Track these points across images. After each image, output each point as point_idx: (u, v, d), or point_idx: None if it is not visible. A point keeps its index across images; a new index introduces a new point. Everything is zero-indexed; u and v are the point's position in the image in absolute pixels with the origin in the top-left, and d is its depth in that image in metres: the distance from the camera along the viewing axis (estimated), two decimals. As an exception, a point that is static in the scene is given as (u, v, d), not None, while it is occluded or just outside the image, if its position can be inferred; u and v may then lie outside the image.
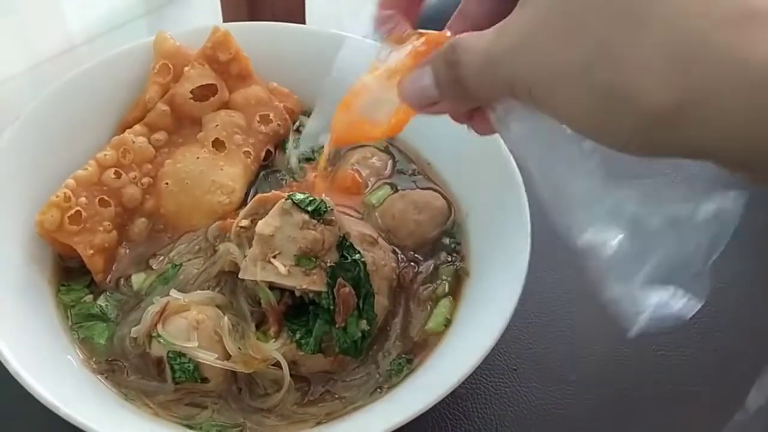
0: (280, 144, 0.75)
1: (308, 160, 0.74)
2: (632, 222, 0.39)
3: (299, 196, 0.60)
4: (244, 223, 0.62)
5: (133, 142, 0.68)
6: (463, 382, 0.55)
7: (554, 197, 0.42)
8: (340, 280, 0.59)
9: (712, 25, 0.31)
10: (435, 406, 0.55)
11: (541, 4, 0.37)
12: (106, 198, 0.66)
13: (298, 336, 0.60)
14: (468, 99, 0.43)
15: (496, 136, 0.66)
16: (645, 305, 0.40)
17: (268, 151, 0.73)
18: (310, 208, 0.60)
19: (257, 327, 0.61)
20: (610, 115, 0.35)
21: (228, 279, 0.63)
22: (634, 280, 0.40)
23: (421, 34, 0.48)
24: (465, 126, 0.68)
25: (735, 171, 0.34)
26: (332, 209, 0.61)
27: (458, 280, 0.66)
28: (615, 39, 0.34)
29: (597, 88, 0.35)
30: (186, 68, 0.71)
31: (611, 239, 0.40)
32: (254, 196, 0.66)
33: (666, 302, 0.40)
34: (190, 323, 0.59)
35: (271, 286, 0.60)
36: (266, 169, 0.73)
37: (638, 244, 0.40)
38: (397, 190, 0.72)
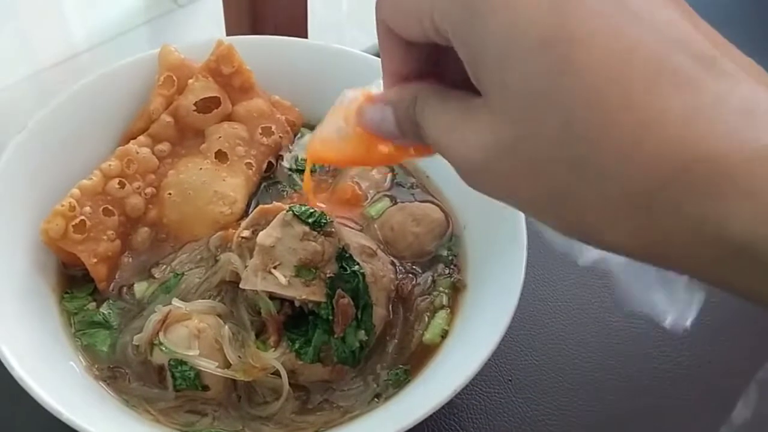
0: (282, 156, 0.76)
1: (300, 171, 0.76)
2: None
3: (300, 208, 0.61)
4: (246, 233, 0.63)
5: (137, 152, 0.69)
6: (459, 393, 0.56)
7: None
8: (339, 290, 0.60)
9: (660, 181, 0.31)
10: (431, 416, 0.55)
11: (496, 124, 0.35)
12: (110, 207, 0.67)
13: (297, 345, 0.60)
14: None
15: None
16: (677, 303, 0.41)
17: (270, 163, 0.74)
18: (310, 220, 0.61)
19: (257, 336, 0.62)
20: (577, 236, 0.35)
21: (229, 289, 0.64)
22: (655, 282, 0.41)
23: None
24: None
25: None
26: (332, 221, 0.62)
27: (455, 292, 0.67)
28: (571, 186, 0.33)
29: (565, 226, 0.35)
30: (190, 81, 0.72)
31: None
32: (256, 207, 0.67)
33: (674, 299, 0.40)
34: (192, 332, 0.60)
35: (272, 296, 0.60)
36: (268, 181, 0.74)
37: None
38: (395, 203, 0.73)
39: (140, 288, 0.66)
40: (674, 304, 0.40)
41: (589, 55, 0.32)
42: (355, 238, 0.66)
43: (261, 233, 0.61)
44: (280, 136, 0.74)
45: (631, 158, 0.31)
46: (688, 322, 0.41)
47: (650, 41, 0.32)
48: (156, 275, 0.67)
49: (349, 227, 0.69)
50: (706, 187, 0.30)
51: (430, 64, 0.42)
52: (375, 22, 0.41)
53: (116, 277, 0.67)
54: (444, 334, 0.64)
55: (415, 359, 0.63)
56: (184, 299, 0.63)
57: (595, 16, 0.32)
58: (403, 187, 0.74)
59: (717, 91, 0.31)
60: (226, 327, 0.61)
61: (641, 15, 0.32)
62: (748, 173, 0.30)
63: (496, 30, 0.34)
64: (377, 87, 0.45)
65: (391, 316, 0.65)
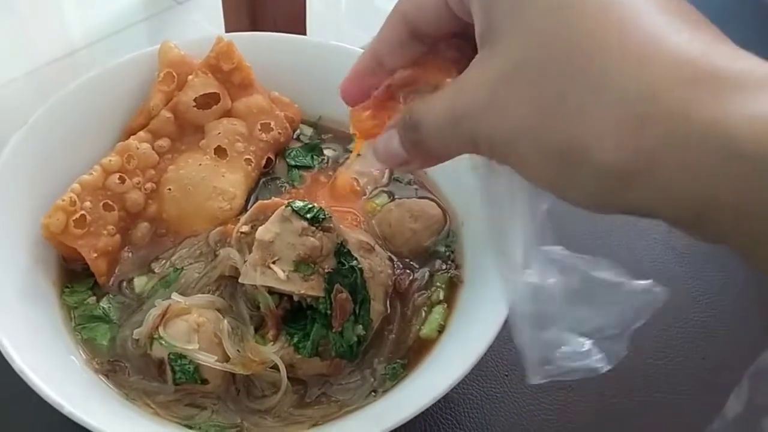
0: (281, 152, 0.76)
1: (306, 167, 0.76)
2: (565, 273, 0.40)
3: (298, 204, 0.61)
4: (245, 229, 0.64)
5: (137, 148, 0.70)
6: (455, 388, 0.56)
7: (498, 233, 0.43)
8: (337, 285, 0.60)
9: (664, 87, 0.32)
10: (428, 410, 0.56)
11: (500, 59, 0.37)
12: (110, 202, 0.67)
13: (295, 339, 0.61)
14: (434, 157, 0.44)
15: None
16: (554, 355, 0.41)
17: (269, 159, 0.75)
18: (309, 216, 0.61)
19: (256, 330, 0.62)
20: (566, 173, 0.35)
21: (228, 283, 0.65)
22: (550, 327, 0.41)
23: None
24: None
25: (686, 231, 0.34)
26: (330, 216, 0.62)
27: (452, 287, 0.68)
28: (571, 98, 0.34)
29: (553, 147, 0.35)
30: (190, 77, 0.73)
31: (544, 281, 0.41)
32: (255, 202, 0.68)
33: (579, 354, 0.41)
34: (191, 326, 0.60)
35: (270, 291, 0.61)
36: (266, 177, 0.75)
37: (565, 294, 0.40)
38: (393, 199, 0.73)
39: (140, 282, 0.67)
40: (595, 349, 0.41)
41: None
42: (353, 234, 0.66)
43: (260, 228, 0.61)
44: (279, 132, 0.75)
45: (641, 65, 0.33)
46: (606, 369, 0.41)
47: None
48: (156, 270, 0.67)
49: (345, 225, 0.70)
50: (714, 95, 0.31)
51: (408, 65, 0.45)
52: (391, 12, 0.44)
53: (116, 271, 0.68)
54: (441, 329, 0.65)
55: (412, 354, 0.64)
56: (183, 294, 0.63)
57: None
58: (401, 183, 0.75)
59: (716, 37, 0.34)
60: (225, 321, 0.61)
61: None
62: (751, 89, 0.31)
63: None
64: None
65: (389, 311, 0.66)
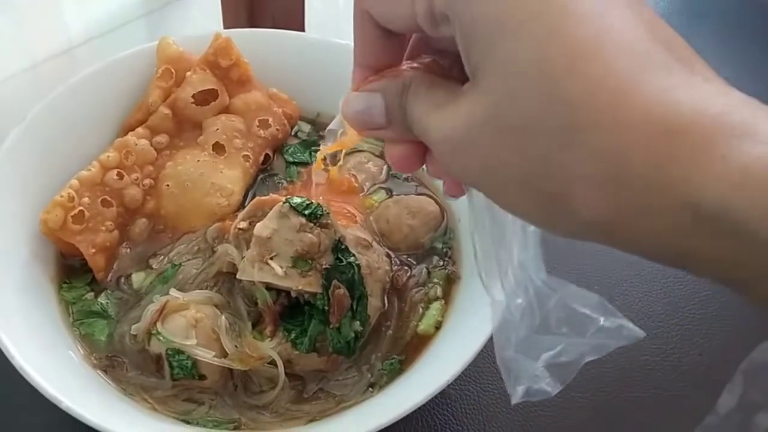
0: (279, 148, 0.76)
1: (303, 164, 0.76)
2: (536, 297, 0.41)
3: (296, 200, 0.61)
4: (243, 225, 0.64)
5: (136, 144, 0.70)
6: (452, 384, 0.57)
7: (483, 253, 0.43)
8: (335, 281, 0.61)
9: (635, 144, 0.32)
10: (424, 406, 0.56)
11: (483, 99, 0.36)
12: (108, 198, 0.67)
13: (293, 335, 0.61)
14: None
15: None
16: (524, 376, 0.41)
17: (267, 155, 0.75)
18: (306, 212, 0.61)
19: (254, 326, 0.62)
20: (550, 217, 0.36)
21: (226, 279, 0.65)
22: (521, 348, 0.41)
23: None
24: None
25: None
26: (328, 213, 0.62)
27: (450, 283, 0.68)
28: (553, 153, 0.34)
29: (537, 196, 0.35)
30: (188, 73, 0.73)
31: (513, 301, 0.41)
32: (252, 198, 0.68)
33: (537, 377, 0.41)
34: (189, 321, 0.60)
35: (268, 287, 0.61)
36: (264, 173, 0.75)
37: (532, 318, 0.41)
38: (391, 195, 0.73)
39: (138, 278, 0.67)
40: (530, 381, 0.41)
41: (577, 26, 0.33)
42: (350, 230, 0.66)
43: (258, 225, 0.61)
44: (277, 129, 0.75)
45: (610, 122, 0.32)
46: (553, 393, 0.42)
47: (630, 25, 0.34)
48: (154, 266, 0.68)
49: (343, 222, 0.70)
50: (683, 152, 0.31)
51: (401, 58, 0.43)
52: (353, 12, 0.42)
53: (114, 267, 0.68)
54: (438, 325, 0.65)
55: (409, 349, 0.64)
56: (181, 289, 0.63)
57: None
58: (399, 179, 0.75)
59: (691, 79, 0.33)
60: (223, 317, 0.61)
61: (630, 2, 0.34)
62: (722, 142, 0.31)
63: (489, 3, 0.35)
64: None
65: (386, 307, 0.66)
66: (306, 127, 0.79)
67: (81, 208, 0.66)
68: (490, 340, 0.58)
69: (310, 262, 0.60)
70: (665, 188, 0.31)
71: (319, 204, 0.62)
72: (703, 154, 0.31)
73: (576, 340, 0.41)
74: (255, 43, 0.76)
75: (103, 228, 0.66)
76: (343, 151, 0.56)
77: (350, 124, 0.44)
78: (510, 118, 0.35)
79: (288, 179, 0.75)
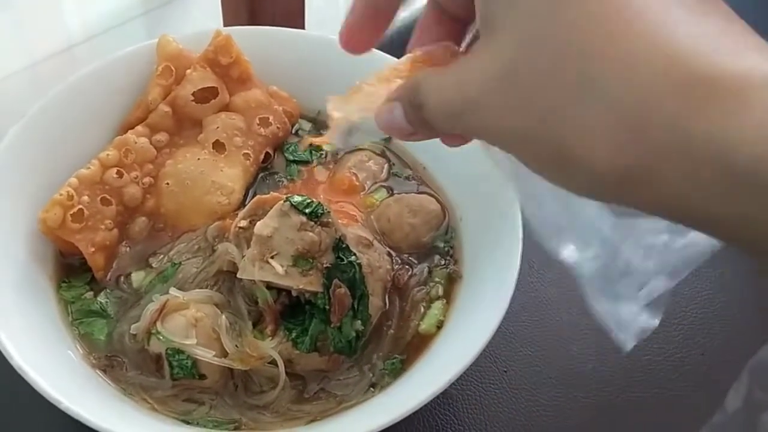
0: (279, 147, 0.76)
1: (304, 162, 0.76)
2: (606, 242, 0.40)
3: (297, 199, 0.61)
4: (243, 223, 0.63)
5: (135, 142, 0.69)
6: (454, 383, 0.56)
7: (540, 220, 0.43)
8: (335, 281, 0.60)
9: (655, 94, 0.30)
10: (426, 406, 0.56)
11: (494, 56, 0.36)
12: (107, 197, 0.67)
13: (294, 335, 0.61)
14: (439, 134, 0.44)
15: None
16: (625, 322, 0.40)
17: (267, 154, 0.75)
18: (307, 211, 0.61)
19: (254, 325, 0.62)
20: (562, 174, 0.35)
21: (226, 278, 0.64)
22: (610, 295, 0.40)
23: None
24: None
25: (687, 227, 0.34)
26: (329, 211, 0.62)
27: (451, 282, 0.68)
28: (560, 107, 0.33)
29: (548, 152, 0.34)
30: (188, 71, 0.73)
31: (587, 257, 0.40)
32: (253, 197, 0.67)
33: (633, 317, 0.41)
34: (189, 321, 0.60)
35: (269, 286, 0.61)
36: (265, 171, 0.75)
37: (610, 263, 0.40)
38: (392, 194, 0.73)
39: (137, 277, 0.67)
40: (627, 322, 0.40)
41: None
42: (351, 229, 0.66)
43: (258, 223, 0.61)
44: (277, 127, 0.75)
45: (631, 71, 0.31)
46: (630, 345, 0.41)
47: None
48: (153, 265, 0.67)
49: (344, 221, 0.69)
50: (711, 103, 0.30)
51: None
52: None
53: (113, 266, 0.67)
54: (440, 325, 0.65)
55: (410, 349, 0.64)
56: (181, 289, 0.63)
57: None
58: (400, 177, 0.75)
59: (722, 28, 0.32)
60: (224, 316, 0.61)
61: None
62: (757, 96, 0.29)
63: None
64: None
65: (388, 307, 0.66)
66: (306, 125, 0.78)
67: (80, 206, 0.65)
68: (492, 339, 0.58)
69: (311, 260, 0.60)
70: (692, 140, 0.30)
71: (319, 203, 0.62)
72: (736, 106, 0.29)
73: (660, 267, 0.40)
74: (255, 41, 0.76)
75: (103, 227, 0.66)
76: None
77: (386, 134, 0.46)
78: (524, 72, 0.34)
79: (288, 178, 0.74)
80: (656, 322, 0.40)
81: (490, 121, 0.37)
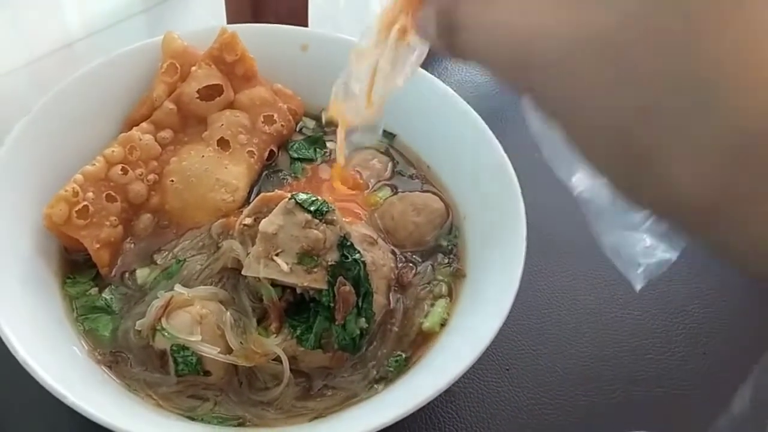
0: (283, 144, 0.76)
1: (308, 160, 0.76)
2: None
3: (302, 196, 0.61)
4: (248, 221, 0.64)
5: (140, 139, 0.69)
6: (457, 381, 0.56)
7: (553, 151, 0.38)
8: (340, 278, 0.61)
9: None
10: (429, 403, 0.56)
11: (600, 12, 0.27)
12: (112, 193, 0.67)
13: (298, 332, 0.61)
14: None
15: (496, 143, 0.68)
16: (635, 256, 0.37)
17: (272, 151, 0.75)
18: (312, 208, 0.61)
19: (258, 323, 0.62)
20: (622, 171, 0.29)
21: (230, 275, 0.65)
22: (620, 225, 0.37)
23: None
24: (464, 131, 0.69)
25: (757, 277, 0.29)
26: (334, 209, 0.62)
27: (455, 281, 0.68)
28: (659, 96, 0.27)
29: (618, 140, 0.28)
30: (193, 68, 0.73)
31: (597, 183, 0.37)
32: (257, 195, 0.68)
33: (648, 250, 0.38)
34: (194, 317, 0.60)
35: (273, 283, 0.61)
36: (269, 169, 0.75)
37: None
38: (396, 192, 0.73)
39: (142, 274, 0.67)
40: (638, 256, 0.38)
41: None
42: (355, 227, 0.66)
43: (263, 221, 0.61)
44: (281, 125, 0.75)
45: (756, 86, 0.26)
46: (640, 284, 0.39)
47: None
48: (158, 261, 0.67)
49: (348, 219, 0.70)
50: None
51: None
52: None
53: (118, 262, 0.67)
54: (443, 323, 0.65)
55: (414, 347, 0.64)
56: (186, 285, 0.63)
57: None
58: (404, 176, 0.75)
59: None
60: (228, 313, 0.61)
61: None
62: None
63: None
64: None
65: (391, 305, 0.66)
66: (311, 123, 0.78)
67: (85, 202, 0.65)
68: (495, 337, 0.58)
69: (315, 258, 0.60)
70: None
71: (324, 200, 0.62)
72: None
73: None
74: (260, 39, 0.76)
75: (108, 223, 0.66)
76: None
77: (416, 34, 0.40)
78: (627, 33, 0.26)
79: (293, 175, 0.75)
80: (671, 256, 0.37)
81: (554, 77, 0.28)
